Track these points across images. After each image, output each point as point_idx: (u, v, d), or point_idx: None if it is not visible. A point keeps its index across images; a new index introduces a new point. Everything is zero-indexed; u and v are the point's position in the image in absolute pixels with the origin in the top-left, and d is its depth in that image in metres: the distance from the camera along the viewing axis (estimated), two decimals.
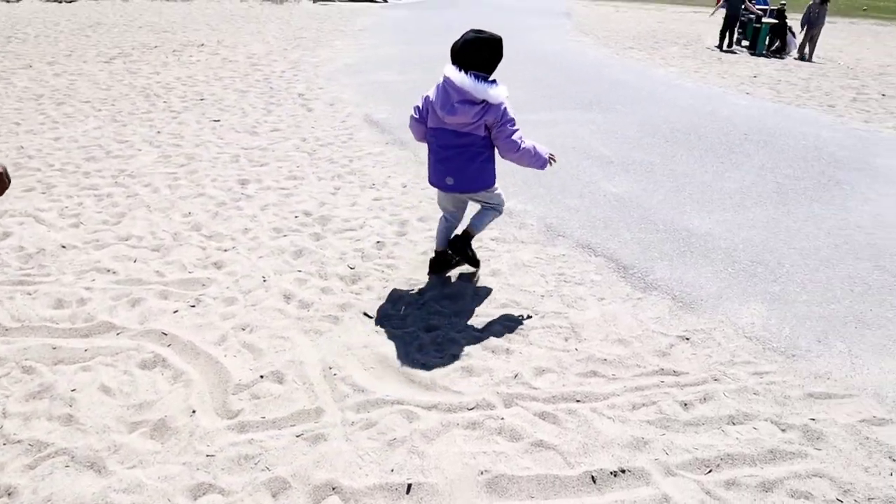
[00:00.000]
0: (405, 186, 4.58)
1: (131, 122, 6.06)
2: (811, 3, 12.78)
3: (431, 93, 3.03)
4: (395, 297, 3.18)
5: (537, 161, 3.09)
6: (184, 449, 2.19)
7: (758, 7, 14.88)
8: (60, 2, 16.84)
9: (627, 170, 5.15)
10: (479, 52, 2.89)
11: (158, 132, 5.73)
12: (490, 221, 3.33)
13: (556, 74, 8.53)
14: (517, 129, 2.97)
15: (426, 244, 3.73)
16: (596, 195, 4.60)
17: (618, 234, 3.99)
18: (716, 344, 2.92)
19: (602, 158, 5.38)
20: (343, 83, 7.80)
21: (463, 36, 2.94)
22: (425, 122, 3.09)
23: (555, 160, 3.20)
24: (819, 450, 2.32)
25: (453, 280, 3.35)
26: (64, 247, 3.64)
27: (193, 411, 2.35)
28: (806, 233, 4.16)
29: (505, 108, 2.92)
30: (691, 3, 27.30)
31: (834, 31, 18.32)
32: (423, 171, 4.89)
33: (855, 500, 2.12)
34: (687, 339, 2.95)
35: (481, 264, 3.50)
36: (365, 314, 3.03)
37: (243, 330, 2.89)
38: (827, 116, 7.62)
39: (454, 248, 3.29)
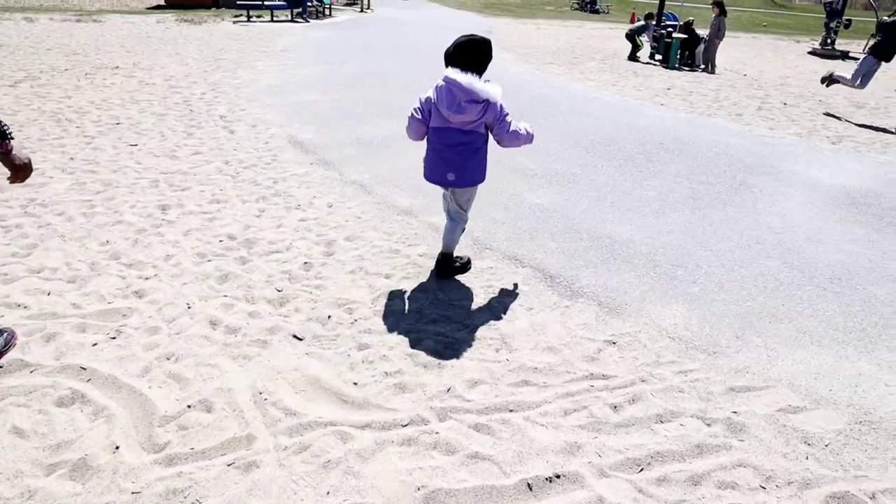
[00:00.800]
0: (331, 206, 4.55)
1: (41, 148, 5.79)
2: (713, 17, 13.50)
3: (432, 94, 3.21)
4: (325, 318, 3.14)
5: (530, 138, 3.36)
6: (107, 488, 2.09)
7: (668, 22, 15.60)
8: None
9: (551, 181, 5.27)
10: (475, 54, 3.14)
11: (72, 158, 5.50)
12: (460, 235, 3.54)
13: None
14: (512, 120, 3.22)
15: (354, 263, 3.71)
16: (521, 207, 4.69)
17: (543, 245, 4.07)
18: (641, 346, 3.02)
19: (526, 171, 5.49)
20: (266, 104, 7.69)
21: (456, 40, 3.15)
22: (426, 123, 3.26)
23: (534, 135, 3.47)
24: (742, 441, 2.43)
25: (384, 299, 3.34)
26: None
27: (117, 447, 2.26)
28: (721, 235, 4.35)
29: (502, 106, 3.17)
30: (608, 20, 28.33)
31: (738, 45, 19.34)
32: (349, 190, 4.88)
33: (776, 486, 2.23)
34: (614, 343, 3.03)
35: (407, 281, 3.51)
36: (294, 336, 2.98)
37: (168, 359, 2.79)
38: (736, 125, 8.02)
39: (445, 273, 3.56)
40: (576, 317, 3.25)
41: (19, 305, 3.20)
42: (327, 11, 21.39)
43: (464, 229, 3.57)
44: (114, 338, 2.94)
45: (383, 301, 3.32)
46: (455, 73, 3.08)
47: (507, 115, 3.19)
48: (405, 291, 3.42)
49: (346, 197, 4.74)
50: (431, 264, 3.73)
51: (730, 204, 4.98)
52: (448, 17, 22.59)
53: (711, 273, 3.80)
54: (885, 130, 8.36)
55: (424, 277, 3.58)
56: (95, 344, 2.89)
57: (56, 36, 14.04)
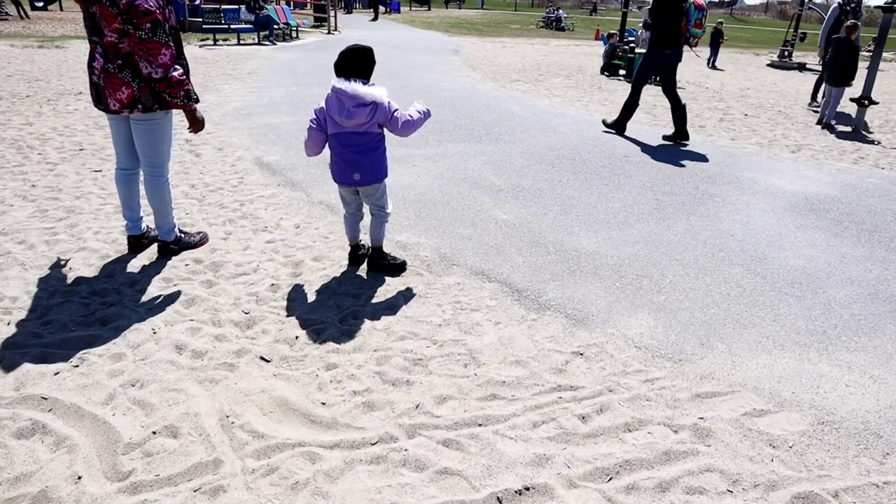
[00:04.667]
0: (298, 227, 4.54)
1: (1, 176, 5.69)
2: None
3: (324, 104, 3.53)
4: (292, 339, 3.13)
5: (426, 119, 3.67)
6: None
7: (629, 38, 15.92)
8: None
9: (517, 197, 5.32)
10: (357, 63, 3.45)
11: (33, 186, 5.41)
12: (384, 227, 3.79)
13: (446, 109, 8.73)
14: (401, 112, 3.52)
15: (321, 283, 3.70)
16: (487, 223, 4.73)
17: (510, 259, 4.10)
18: (608, 356, 3.05)
19: (492, 187, 5.54)
20: (232, 127, 7.66)
21: (341, 52, 3.46)
22: (324, 131, 3.54)
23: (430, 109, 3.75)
24: (709, 446, 2.46)
25: (351, 318, 3.33)
26: None
27: (79, 478, 2.21)
28: (685, 244, 4.43)
29: (389, 103, 3.47)
30: (573, 37, 28.80)
31: (699, 59, 19.76)
32: (316, 210, 4.88)
33: (743, 489, 2.26)
34: (581, 354, 3.06)
35: (375, 300, 3.51)
36: (262, 358, 2.96)
37: (133, 386, 2.75)
38: (698, 136, 8.18)
39: (374, 267, 3.83)
40: (543, 329, 3.27)
41: None
42: (294, 34, 21.43)
43: (387, 219, 3.81)
44: (77, 366, 2.89)
45: (351, 320, 3.31)
46: (340, 83, 3.40)
47: (395, 110, 3.49)
48: (373, 310, 3.42)
49: (313, 217, 4.73)
50: (399, 282, 3.74)
51: (693, 213, 5.07)
52: (414, 38, 22.77)
53: (676, 282, 3.86)
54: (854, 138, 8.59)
55: (392, 295, 3.58)
56: (58, 373, 2.84)
57: (17, 62, 13.86)
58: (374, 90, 3.43)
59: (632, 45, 14.76)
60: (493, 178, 5.80)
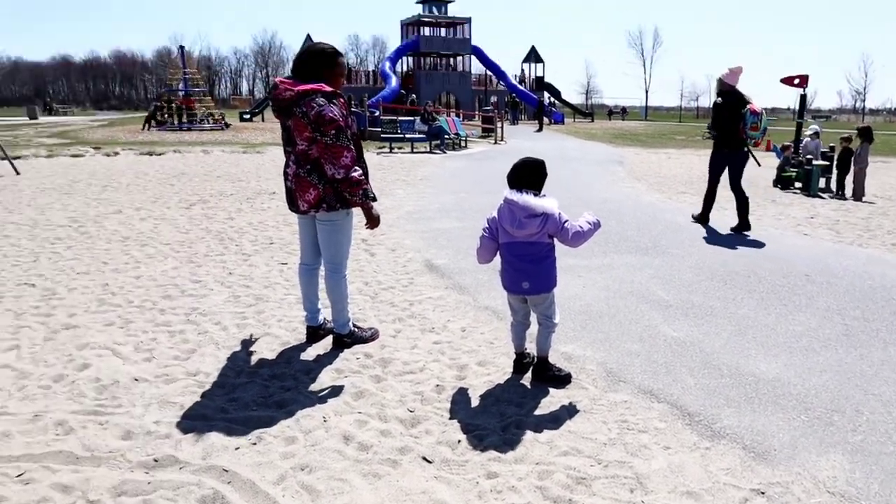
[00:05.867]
0: (464, 331, 4.65)
1: (206, 263, 6.42)
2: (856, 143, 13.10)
3: (496, 214, 3.68)
4: (455, 442, 3.14)
5: (596, 230, 3.72)
6: None
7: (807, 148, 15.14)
8: (151, 154, 18.45)
9: (687, 313, 5.11)
10: (529, 175, 3.61)
11: (230, 273, 6.04)
12: (551, 337, 3.79)
13: (611, 220, 8.71)
14: (571, 224, 3.58)
15: (484, 388, 3.73)
16: (656, 339, 4.55)
17: (681, 380, 3.90)
18: (795, 499, 2.75)
19: (660, 302, 5.37)
20: (405, 229, 8.14)
21: (514, 164, 3.66)
22: (496, 240, 3.69)
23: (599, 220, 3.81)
24: None
25: (514, 427, 3.30)
26: (136, 380, 3.78)
27: None
28: (884, 377, 3.97)
29: (559, 214, 3.54)
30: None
31: (888, 170, 18.28)
32: (482, 315, 4.98)
33: None
34: (763, 493, 2.78)
35: (539, 411, 3.46)
36: (424, 458, 2.99)
37: (302, 470, 2.88)
38: (892, 255, 7.46)
39: (539, 378, 3.79)
40: (718, 460, 3.03)
41: (176, 405, 3.47)
42: (463, 143, 22.69)
43: (553, 329, 3.79)
44: (254, 443, 3.10)
45: (513, 429, 3.28)
46: (513, 194, 3.53)
47: (565, 221, 3.55)
48: (536, 421, 3.37)
49: (479, 322, 4.83)
50: (563, 394, 3.67)
51: (892, 343, 4.57)
52: (578, 148, 23.23)
53: (876, 421, 3.45)
54: None
55: (555, 408, 3.52)
56: (238, 448, 3.05)
57: (225, 165, 15.83)
58: (545, 201, 3.54)
59: (809, 157, 13.98)
60: (662, 292, 5.63)
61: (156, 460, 2.95)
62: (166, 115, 32.89)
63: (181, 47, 39.13)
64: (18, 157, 16.60)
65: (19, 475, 2.84)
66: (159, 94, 50.12)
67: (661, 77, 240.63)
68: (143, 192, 11.46)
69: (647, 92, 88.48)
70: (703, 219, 8.96)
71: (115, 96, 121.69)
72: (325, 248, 4.18)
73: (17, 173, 14.05)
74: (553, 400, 3.61)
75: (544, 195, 3.62)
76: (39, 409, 3.44)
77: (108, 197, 10.87)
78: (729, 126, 8.26)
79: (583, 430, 3.28)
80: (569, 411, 3.48)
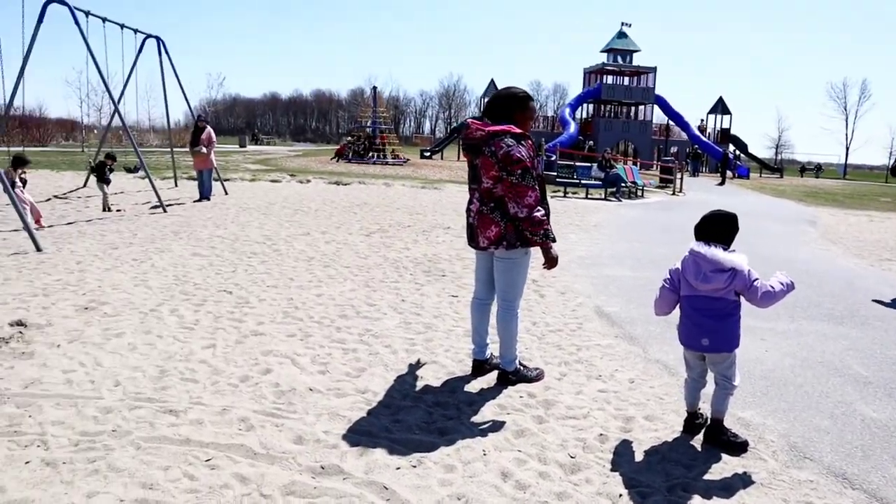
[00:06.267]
0: (632, 382, 4.45)
1: (380, 288, 6.74)
2: None
3: (679, 266, 3.54)
4: (616, 496, 2.99)
5: (788, 292, 3.47)
6: None
7: None
8: (338, 184, 19.88)
9: (890, 394, 4.51)
10: (719, 228, 3.48)
11: (403, 300, 6.28)
12: (728, 400, 3.57)
13: (801, 283, 7.95)
14: (762, 282, 3.37)
15: (650, 444, 3.52)
16: (851, 418, 4.06)
17: (881, 468, 3.43)
18: None
19: (857, 378, 4.79)
20: (575, 274, 8.03)
21: (703, 216, 3.54)
22: (677, 292, 3.56)
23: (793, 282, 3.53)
24: None
25: (681, 489, 3.08)
26: (311, 390, 4.02)
27: None
28: None
29: (749, 271, 3.35)
30: None
31: None
32: (653, 368, 4.74)
33: None
34: None
35: (710, 476, 3.19)
36: None
37: (458, 500, 2.88)
38: None
39: (712, 442, 3.54)
40: None
41: (345, 418, 3.63)
42: (639, 192, 22.08)
43: (732, 392, 3.54)
44: (415, 466, 3.15)
45: (680, 492, 3.06)
46: (699, 246, 3.41)
47: (755, 279, 3.34)
48: (705, 487, 3.12)
49: (648, 375, 4.60)
50: (738, 462, 3.37)
51: None
52: (764, 205, 21.64)
53: None
54: None
55: (728, 475, 3.24)
56: (399, 468, 3.12)
57: (405, 198, 16.63)
58: (735, 256, 3.37)
59: None
60: (859, 367, 5.03)
61: (322, 467, 3.10)
62: (361, 149, 35.31)
63: (374, 88, 42.12)
64: (228, 180, 18.64)
65: (207, 460, 3.11)
66: (349, 129, 54.04)
67: (866, 132, 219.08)
68: (329, 217, 12.34)
69: (847, 148, 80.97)
70: None
71: (311, 130, 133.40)
72: (500, 285, 4.22)
73: (226, 193, 15.76)
74: (726, 467, 3.33)
75: (733, 250, 3.44)
76: (227, 404, 3.76)
77: (299, 220, 11.83)
78: None
79: None
80: (743, 482, 3.19)
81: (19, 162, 10.10)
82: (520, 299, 4.27)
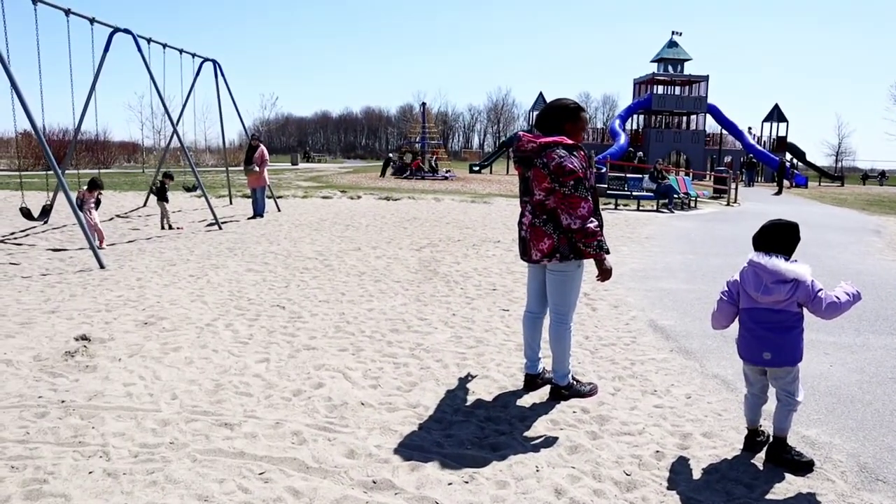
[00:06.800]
0: (689, 397, 4.32)
1: (431, 302, 6.74)
2: None
3: (738, 277, 3.45)
4: None
5: (854, 303, 3.33)
6: None
7: None
8: (388, 199, 20.08)
9: None
10: (780, 237, 3.37)
11: (453, 314, 6.27)
12: (791, 417, 3.45)
13: (867, 295, 7.64)
14: (826, 293, 3.26)
15: (709, 461, 3.40)
16: None
17: None
18: None
19: None
20: (628, 287, 7.88)
21: (762, 225, 3.43)
22: (736, 305, 3.47)
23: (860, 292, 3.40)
24: None
25: None
26: (363, 404, 4.03)
27: None
28: None
29: (813, 282, 3.25)
30: None
31: None
32: (710, 384, 4.60)
33: None
34: None
35: (773, 496, 3.06)
36: None
37: None
38: None
39: (774, 459, 3.42)
40: None
41: (396, 433, 3.63)
42: (692, 203, 21.61)
43: (795, 409, 3.42)
44: (467, 482, 3.12)
45: None
46: (759, 257, 3.31)
47: (819, 290, 3.23)
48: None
49: (706, 390, 4.46)
50: (803, 483, 3.22)
51: None
52: (824, 214, 20.88)
53: None
54: None
55: (792, 495, 3.10)
56: (450, 483, 3.10)
57: (454, 213, 16.66)
58: (797, 267, 3.26)
59: None
60: None
61: (374, 482, 3.09)
62: (413, 165, 35.47)
63: (423, 104, 42.49)
64: (281, 197, 19.04)
65: (261, 473, 3.14)
66: (399, 145, 54.61)
67: None
68: (380, 232, 12.45)
69: None
70: None
71: (361, 147, 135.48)
72: (552, 298, 4.17)
73: (279, 210, 16.09)
74: (790, 487, 3.19)
75: (795, 260, 3.32)
76: (280, 418, 3.80)
77: (350, 235, 11.97)
78: None
79: None
80: (809, 503, 3.05)
81: (94, 185, 10.61)
82: (573, 313, 4.21)
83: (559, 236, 3.95)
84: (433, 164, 36.17)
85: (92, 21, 11.32)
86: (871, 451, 3.63)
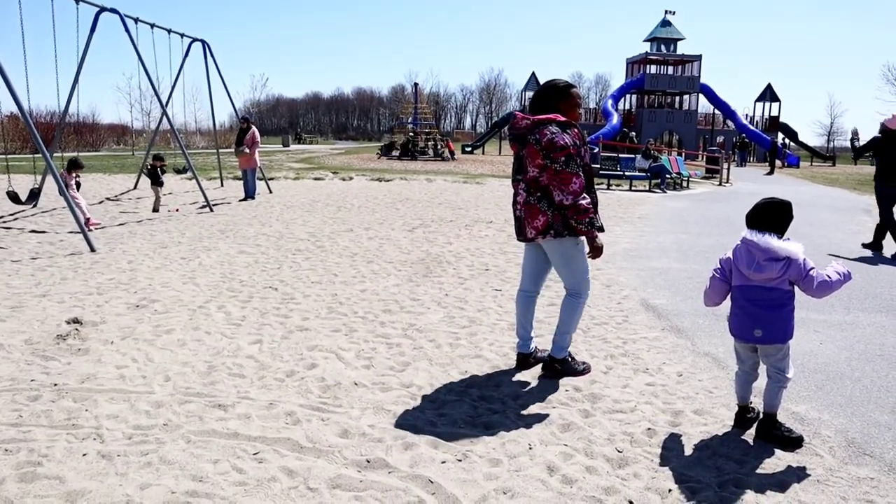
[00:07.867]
0: (681, 375, 4.35)
1: (424, 283, 6.75)
2: None
3: (731, 255, 3.46)
4: (665, 491, 2.92)
5: (845, 282, 3.36)
6: None
7: None
8: (381, 181, 20.01)
9: None
10: (772, 215, 3.37)
11: (446, 295, 6.28)
12: (781, 393, 3.48)
13: (857, 274, 7.67)
14: (817, 272, 3.28)
15: (700, 438, 3.44)
16: None
17: None
18: None
19: None
20: (620, 266, 7.91)
21: (756, 203, 3.43)
22: (728, 282, 3.48)
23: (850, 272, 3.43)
24: None
25: (732, 485, 3.00)
26: (356, 384, 4.05)
27: None
28: None
29: (805, 260, 3.28)
30: None
31: None
32: (701, 361, 4.64)
33: None
34: None
35: (762, 472, 3.10)
36: (630, 502, 2.82)
37: (504, 494, 2.86)
38: None
39: (765, 436, 3.45)
40: None
41: (390, 412, 3.65)
42: (685, 183, 21.63)
43: (785, 386, 3.47)
44: (460, 461, 3.14)
45: (732, 487, 2.97)
46: (753, 235, 3.32)
47: (811, 269, 3.26)
48: (759, 483, 3.03)
49: (697, 368, 4.50)
50: (792, 459, 3.26)
51: None
52: (815, 194, 20.95)
53: None
54: None
55: (781, 470, 3.14)
56: (444, 462, 3.12)
57: (447, 193, 16.63)
58: (790, 245, 3.28)
59: None
60: None
61: (368, 461, 3.11)
62: (409, 145, 35.15)
63: (415, 84, 42.31)
64: (272, 179, 18.95)
65: (255, 453, 3.16)
66: (391, 126, 54.31)
67: None
68: (372, 213, 12.42)
69: None
70: (877, 246, 9.57)
71: (352, 128, 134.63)
72: (564, 278, 4.23)
73: (271, 192, 16.02)
74: (779, 462, 3.23)
75: (787, 238, 3.34)
76: (274, 399, 3.81)
77: (342, 216, 11.94)
78: (888, 159, 9.14)
79: (815, 501, 2.88)
80: (798, 477, 3.08)
81: (74, 165, 10.51)
82: (587, 290, 4.24)
83: (553, 213, 3.96)
84: (440, 149, 35.76)
85: (77, 1, 11.16)
86: (858, 427, 3.68)
